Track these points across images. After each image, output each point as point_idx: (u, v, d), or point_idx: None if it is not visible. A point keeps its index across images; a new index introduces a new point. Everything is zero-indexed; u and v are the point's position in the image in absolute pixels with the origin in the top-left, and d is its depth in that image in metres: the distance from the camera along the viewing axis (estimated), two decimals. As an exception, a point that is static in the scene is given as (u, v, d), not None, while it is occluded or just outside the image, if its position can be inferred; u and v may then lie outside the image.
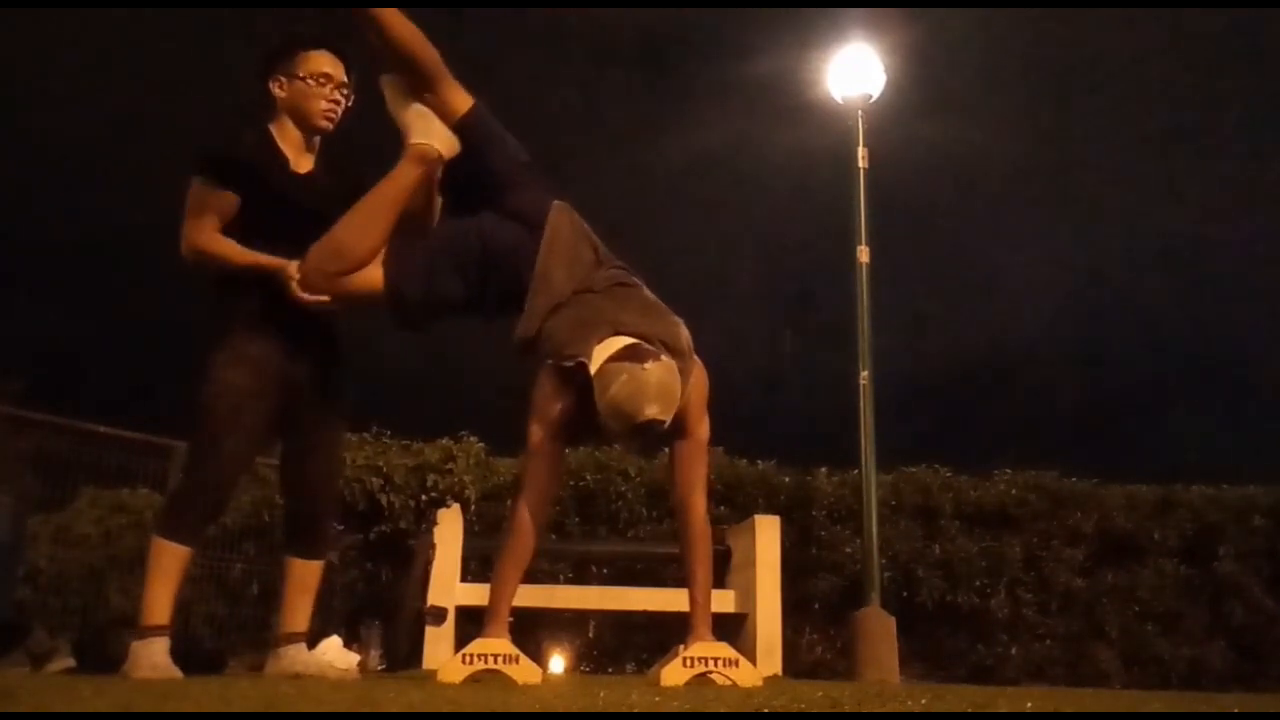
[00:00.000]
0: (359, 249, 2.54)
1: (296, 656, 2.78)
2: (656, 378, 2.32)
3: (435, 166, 2.62)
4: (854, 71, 6.72)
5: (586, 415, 2.41)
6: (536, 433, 2.46)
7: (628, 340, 2.41)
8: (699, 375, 2.58)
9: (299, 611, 2.84)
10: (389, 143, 2.71)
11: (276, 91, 2.78)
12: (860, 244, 6.33)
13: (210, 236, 2.68)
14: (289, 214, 2.69)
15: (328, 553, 2.98)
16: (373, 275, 2.55)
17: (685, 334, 2.57)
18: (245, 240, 2.68)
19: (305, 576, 2.86)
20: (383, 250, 2.56)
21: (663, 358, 2.37)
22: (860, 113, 6.62)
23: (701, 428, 2.60)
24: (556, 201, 2.65)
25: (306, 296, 2.57)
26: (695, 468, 2.62)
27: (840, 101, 6.75)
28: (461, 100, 2.64)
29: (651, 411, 2.31)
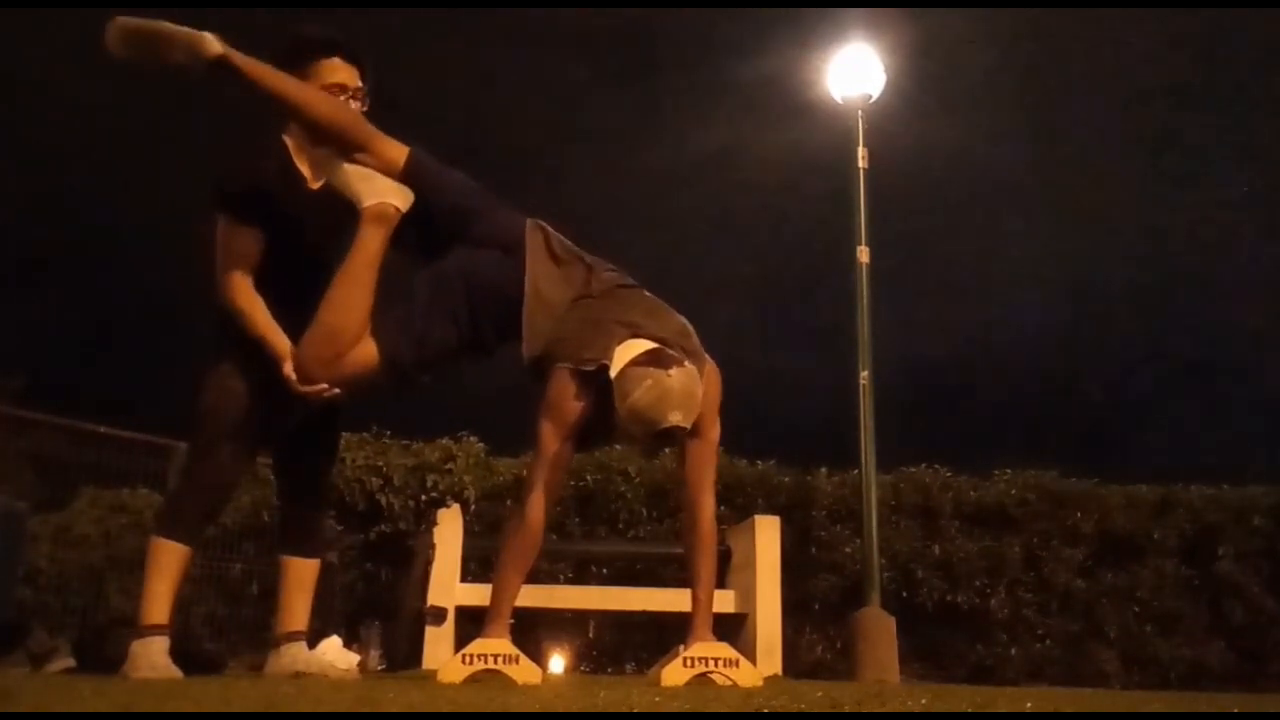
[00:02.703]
0: (350, 325, 2.50)
1: (297, 655, 2.79)
2: (680, 384, 2.31)
3: (395, 222, 2.56)
4: (854, 71, 6.71)
5: (603, 418, 2.40)
6: (550, 435, 2.44)
7: (649, 344, 2.39)
8: (713, 377, 2.57)
9: (298, 610, 2.84)
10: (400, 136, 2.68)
11: None
12: (860, 244, 6.33)
13: (240, 289, 2.63)
14: (310, 237, 2.69)
15: (324, 551, 2.98)
16: (366, 351, 2.51)
17: (694, 333, 2.57)
18: (269, 267, 2.65)
19: (303, 575, 2.86)
20: (369, 323, 2.52)
21: (685, 364, 2.36)
22: (860, 113, 6.62)
23: (714, 429, 2.59)
24: (528, 220, 2.63)
25: (308, 389, 2.53)
26: (706, 468, 2.61)
27: (840, 101, 6.74)
28: (397, 151, 2.59)
29: (675, 418, 2.30)
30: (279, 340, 2.59)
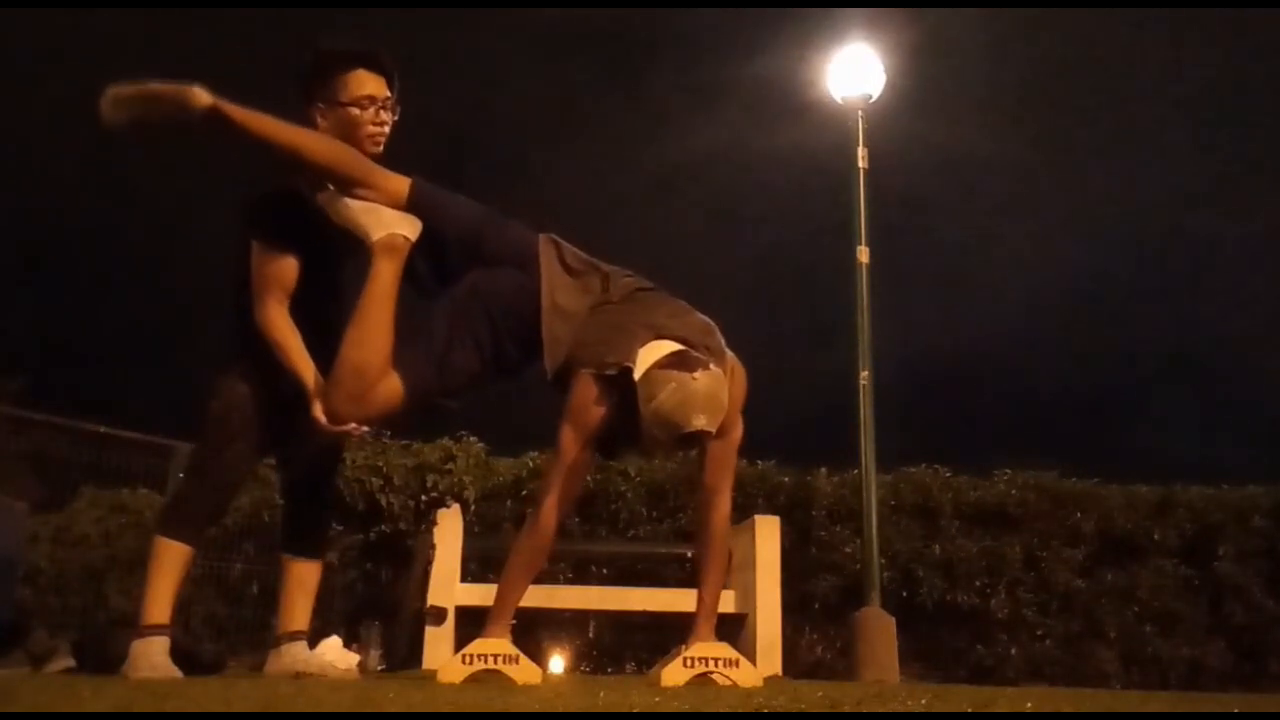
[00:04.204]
0: (373, 360, 2.49)
1: (298, 655, 2.79)
2: (705, 387, 2.28)
3: (406, 252, 2.55)
4: (854, 71, 6.71)
5: (628, 423, 2.38)
6: (570, 440, 2.42)
7: (673, 346, 2.38)
8: (738, 376, 2.55)
9: (299, 611, 2.84)
10: (421, 145, 2.68)
11: (318, 120, 2.67)
12: (860, 244, 6.32)
13: (275, 318, 2.61)
14: (343, 258, 2.68)
15: (327, 553, 2.98)
16: (390, 385, 2.50)
17: (717, 331, 2.55)
18: (302, 293, 2.64)
19: (305, 576, 2.86)
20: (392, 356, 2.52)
21: (711, 366, 2.34)
22: (860, 113, 6.61)
23: (736, 429, 2.58)
24: (540, 235, 2.63)
25: (336, 429, 2.54)
26: (725, 469, 2.61)
27: (840, 101, 6.74)
28: (399, 183, 2.59)
29: (699, 423, 2.27)
30: (309, 376, 2.58)
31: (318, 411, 2.53)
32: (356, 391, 2.49)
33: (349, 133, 2.65)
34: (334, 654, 2.94)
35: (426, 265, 2.62)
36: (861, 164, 6.46)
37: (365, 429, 2.61)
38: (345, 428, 2.55)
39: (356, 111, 2.65)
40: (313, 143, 2.55)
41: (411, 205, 2.58)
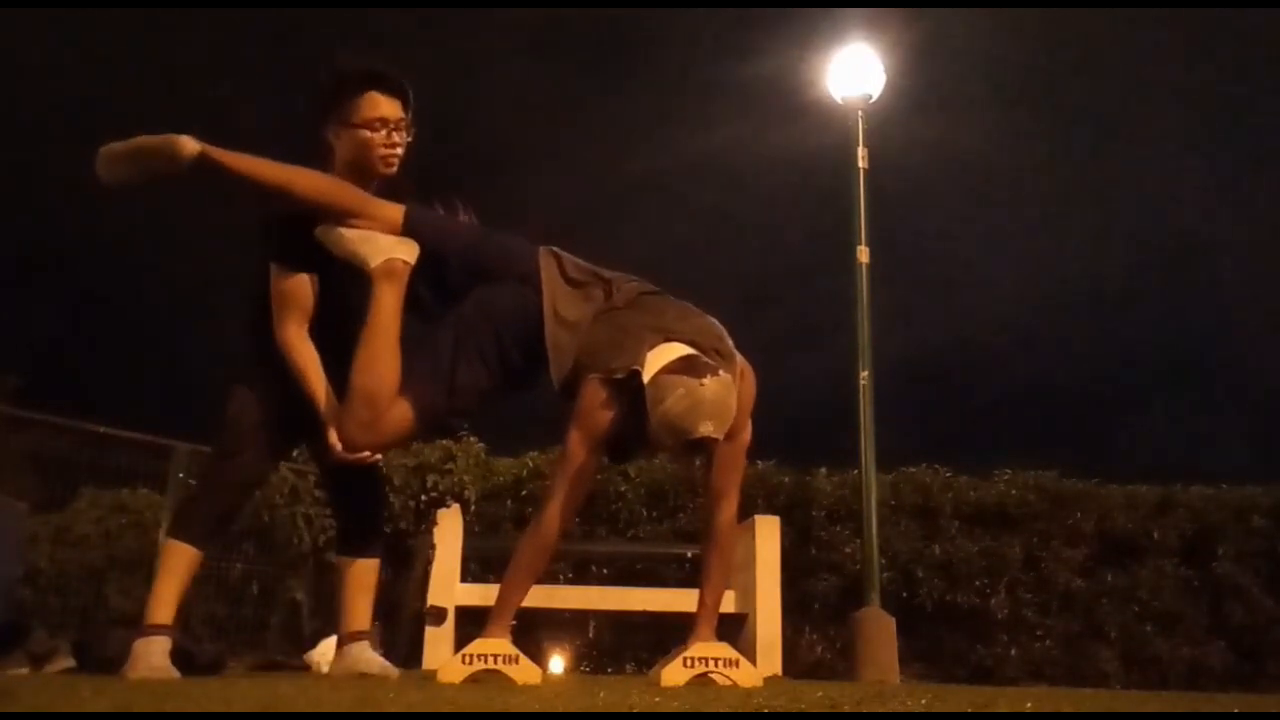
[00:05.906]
0: (383, 385, 2.50)
1: (360, 655, 2.81)
2: (713, 393, 2.27)
3: (406, 275, 2.57)
4: (854, 71, 6.71)
5: (637, 427, 2.37)
6: (578, 444, 2.42)
7: (684, 350, 2.37)
8: (747, 378, 2.55)
9: (360, 611, 2.86)
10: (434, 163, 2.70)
11: (332, 140, 2.69)
12: (860, 244, 6.33)
13: (296, 343, 2.63)
14: (361, 278, 2.66)
15: (380, 551, 2.98)
16: (400, 409, 2.51)
17: (727, 335, 2.55)
18: (320, 314, 2.66)
19: (363, 575, 2.88)
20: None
21: (720, 373, 2.33)
22: (860, 113, 6.62)
23: (745, 431, 2.58)
24: (540, 248, 2.63)
25: (351, 456, 2.58)
26: (732, 471, 2.59)
27: (840, 101, 6.74)
28: (393, 210, 2.60)
29: (706, 429, 2.27)
30: (325, 402, 2.59)
31: (333, 439, 2.56)
32: (369, 419, 2.50)
33: (361, 154, 2.67)
34: (323, 650, 2.96)
35: (428, 289, 2.63)
36: (861, 164, 6.47)
37: (379, 456, 2.65)
38: (360, 455, 2.59)
39: (368, 133, 2.66)
40: (303, 179, 2.56)
41: (408, 230, 2.59)
